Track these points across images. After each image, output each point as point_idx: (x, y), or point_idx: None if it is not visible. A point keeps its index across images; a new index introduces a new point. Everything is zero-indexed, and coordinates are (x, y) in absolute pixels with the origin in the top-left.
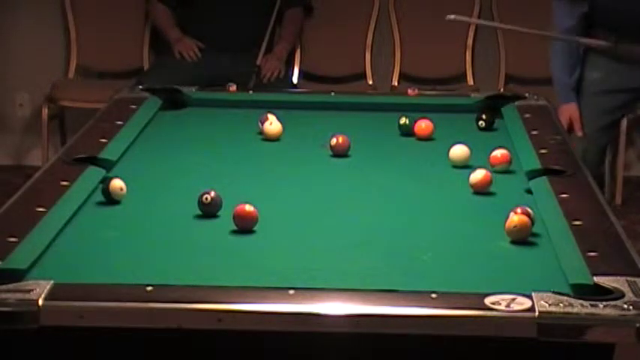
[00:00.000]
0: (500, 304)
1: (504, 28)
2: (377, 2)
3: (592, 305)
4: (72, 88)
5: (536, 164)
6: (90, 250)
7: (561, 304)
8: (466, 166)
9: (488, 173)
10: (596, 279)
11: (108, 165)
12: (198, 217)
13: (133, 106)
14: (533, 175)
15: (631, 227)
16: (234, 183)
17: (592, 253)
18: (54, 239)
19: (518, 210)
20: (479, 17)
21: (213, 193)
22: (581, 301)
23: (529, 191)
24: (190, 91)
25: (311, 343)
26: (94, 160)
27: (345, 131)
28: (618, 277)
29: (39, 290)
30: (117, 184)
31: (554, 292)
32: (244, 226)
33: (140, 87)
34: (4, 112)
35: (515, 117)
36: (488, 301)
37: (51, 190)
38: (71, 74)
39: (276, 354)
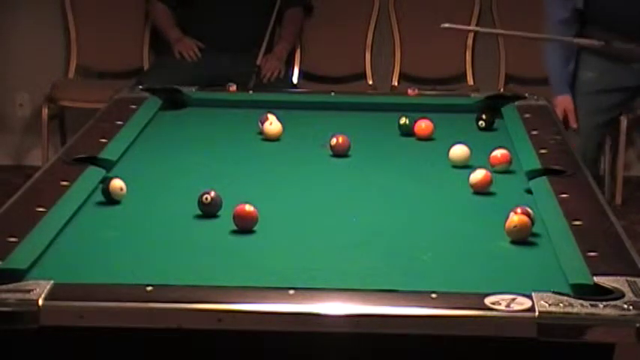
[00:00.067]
0: (500, 304)
1: (498, 33)
2: (377, 2)
3: (592, 305)
4: (72, 88)
5: (536, 164)
6: (90, 250)
7: (561, 304)
8: (466, 166)
9: (488, 173)
10: (596, 279)
11: (108, 165)
12: (198, 217)
13: (133, 106)
14: (533, 175)
15: (631, 227)
16: (234, 183)
17: (592, 253)
18: (54, 239)
19: (518, 210)
20: (479, 17)
21: (213, 193)
22: (581, 301)
23: (529, 191)
24: (190, 91)
25: (311, 343)
26: (94, 160)
27: (345, 131)
28: (618, 277)
29: (39, 290)
30: (117, 184)
31: (554, 292)
32: (244, 226)
33: (140, 87)
34: (4, 112)
35: (515, 117)
36: (488, 301)
37: (51, 190)
38: (71, 74)
39: (276, 354)
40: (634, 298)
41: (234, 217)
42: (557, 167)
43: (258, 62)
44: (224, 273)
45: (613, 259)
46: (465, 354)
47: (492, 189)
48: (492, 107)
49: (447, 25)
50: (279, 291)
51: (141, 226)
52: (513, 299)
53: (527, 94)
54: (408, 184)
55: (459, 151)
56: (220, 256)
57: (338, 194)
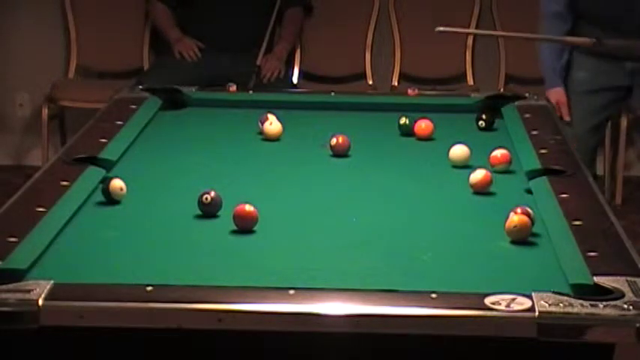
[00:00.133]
0: (500, 304)
1: (492, 34)
2: (377, 2)
3: (592, 305)
4: (72, 88)
5: (536, 164)
6: (90, 250)
7: (561, 304)
8: (466, 166)
9: (488, 173)
10: (596, 279)
11: (108, 165)
12: (198, 217)
13: (133, 106)
14: (533, 175)
15: (631, 227)
16: (234, 183)
17: (592, 253)
18: (54, 239)
19: (518, 210)
20: (479, 17)
21: (213, 193)
22: (581, 301)
23: (529, 191)
24: (190, 91)
25: (311, 343)
26: (94, 160)
27: (345, 131)
28: (618, 277)
29: (39, 290)
30: (117, 184)
31: (554, 292)
32: (244, 226)
33: (140, 87)
34: (4, 112)
35: (515, 117)
36: (488, 301)
37: (51, 190)
38: (71, 74)
39: (276, 354)
40: (634, 298)
41: (234, 217)
42: (557, 167)
43: (258, 62)
44: (224, 273)
45: (613, 259)
46: (465, 354)
47: (492, 189)
48: (492, 107)
49: (441, 28)
50: (279, 291)
51: (141, 226)
52: (513, 299)
53: (527, 94)
54: (408, 184)
55: (459, 151)
56: (220, 256)
57: (338, 194)
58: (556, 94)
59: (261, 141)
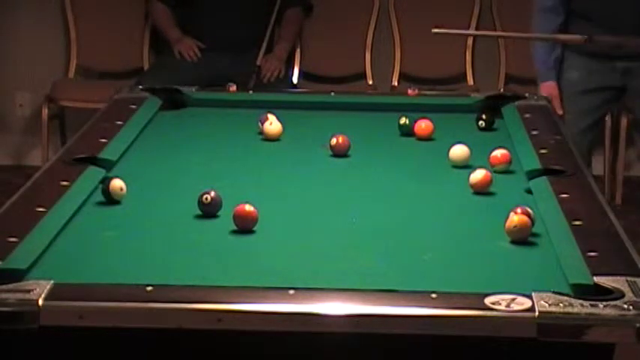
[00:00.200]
0: (500, 304)
1: (488, 35)
2: (377, 2)
3: (592, 305)
4: (72, 88)
5: (536, 164)
6: (90, 250)
7: (561, 304)
8: (466, 166)
9: (488, 173)
10: (596, 279)
11: (108, 165)
12: (198, 217)
13: (133, 106)
14: (533, 175)
15: (631, 227)
16: (234, 183)
17: (592, 253)
18: (54, 239)
19: (518, 210)
20: (479, 17)
21: (213, 193)
22: (581, 301)
23: (529, 191)
24: (190, 91)
25: (311, 343)
26: (94, 160)
27: (345, 131)
28: (618, 277)
29: (39, 290)
30: (117, 184)
31: (554, 292)
32: (244, 226)
33: (140, 87)
34: (4, 112)
35: (515, 117)
36: (488, 301)
37: (51, 190)
38: (71, 74)
39: (276, 354)
40: (634, 298)
41: (234, 217)
42: (557, 167)
43: (258, 62)
44: (224, 273)
45: (613, 259)
46: (464, 354)
47: (492, 189)
48: (492, 107)
49: (437, 30)
50: (279, 291)
51: (141, 226)
52: (513, 299)
53: (527, 94)
54: (408, 184)
55: (459, 151)
56: (220, 256)
57: (338, 194)
58: (548, 88)
59: (261, 141)
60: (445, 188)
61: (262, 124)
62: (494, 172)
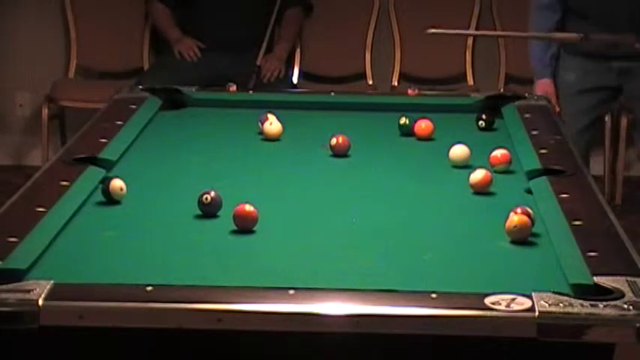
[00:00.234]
0: (500, 304)
1: (483, 35)
2: (377, 2)
3: (592, 305)
4: (72, 88)
5: (536, 164)
6: (90, 250)
7: (561, 304)
8: (466, 166)
9: (488, 173)
10: (596, 279)
11: (108, 165)
12: (198, 217)
13: (133, 106)
14: (533, 175)
15: (631, 227)
16: (234, 183)
17: (592, 253)
18: (54, 239)
19: (518, 210)
20: (479, 17)
21: (213, 193)
22: (581, 301)
23: (529, 191)
24: (190, 91)
25: (311, 343)
26: (94, 160)
27: (345, 131)
28: (618, 277)
29: (39, 290)
30: (117, 184)
31: (554, 292)
32: (244, 226)
33: (140, 87)
34: (4, 112)
35: (515, 117)
36: (488, 301)
37: (51, 190)
38: (71, 74)
39: (276, 354)
40: (634, 298)
41: (234, 217)
42: (557, 167)
43: (258, 62)
44: (224, 273)
45: (613, 259)
46: (464, 354)
47: (492, 189)
48: (492, 107)
49: (432, 30)
50: (279, 291)
51: (141, 226)
52: (513, 299)
53: (527, 94)
54: (408, 184)
55: (459, 151)
56: (220, 256)
57: (338, 194)
58: (544, 85)
59: (261, 141)
60: (445, 188)
61: (262, 124)
62: (495, 172)
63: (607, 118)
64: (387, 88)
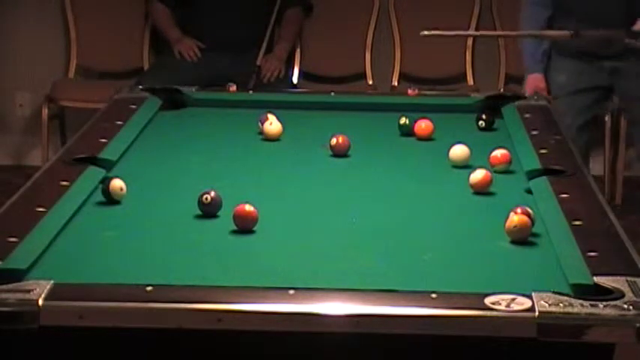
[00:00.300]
0: (500, 304)
1: (477, 35)
2: (377, 2)
3: (592, 305)
4: (72, 88)
5: (536, 164)
6: (90, 250)
7: (561, 304)
8: (466, 166)
9: (488, 173)
10: (596, 279)
11: (108, 165)
12: (198, 217)
13: (133, 106)
14: (533, 175)
15: (631, 227)
16: (234, 183)
17: (592, 253)
18: (54, 239)
19: (518, 210)
20: (479, 17)
21: (213, 193)
22: (581, 301)
23: (529, 191)
24: (190, 91)
25: (311, 343)
26: (94, 160)
27: (345, 131)
28: (618, 277)
29: (39, 290)
30: (117, 184)
31: (554, 292)
32: (244, 226)
33: (140, 87)
34: (4, 112)
35: (515, 117)
36: (488, 301)
37: (51, 190)
38: (71, 74)
39: (277, 354)
40: (634, 298)
41: (234, 217)
42: (557, 167)
43: (258, 62)
44: (224, 273)
45: (613, 259)
46: (464, 354)
47: (492, 189)
48: (492, 107)
49: (426, 32)
50: (279, 291)
51: (141, 226)
52: (513, 299)
53: (527, 94)
54: (408, 184)
55: (459, 151)
56: (220, 256)
57: (338, 194)
58: (535, 80)
59: (261, 141)
60: (445, 188)
61: (262, 124)
62: (495, 172)
63: (607, 118)
64: (387, 88)
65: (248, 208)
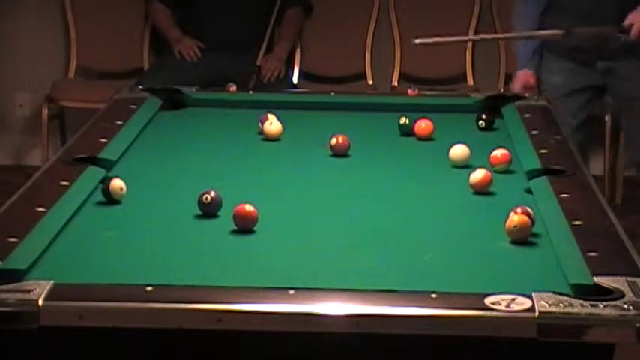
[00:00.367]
0: (500, 304)
1: (469, 40)
2: (377, 2)
3: (592, 305)
4: (72, 88)
5: (536, 164)
6: (90, 250)
7: (561, 304)
8: (466, 166)
9: (488, 173)
10: (596, 279)
11: (108, 165)
12: (198, 217)
13: (133, 106)
14: (533, 175)
15: (631, 227)
16: (234, 183)
17: (592, 253)
18: (54, 239)
19: (518, 210)
20: (479, 17)
21: (213, 193)
22: (581, 301)
23: (529, 191)
24: (190, 91)
25: (311, 343)
26: (94, 160)
27: (345, 131)
28: (618, 277)
29: (39, 290)
30: (117, 184)
31: (554, 292)
32: (244, 226)
33: (140, 87)
34: (4, 112)
35: (515, 117)
36: (488, 301)
37: (51, 190)
38: (71, 74)
39: (277, 354)
40: (634, 298)
41: (234, 217)
42: (557, 167)
43: (258, 62)
44: (224, 273)
45: (613, 259)
46: (464, 354)
47: (492, 189)
48: (492, 107)
49: (417, 41)
50: (279, 291)
51: (141, 226)
52: (513, 299)
53: (527, 94)
54: (408, 184)
55: (459, 151)
56: (220, 256)
57: (338, 194)
58: (525, 76)
59: (261, 141)
60: (445, 188)
61: (262, 124)
62: (495, 172)
63: (607, 118)
64: (387, 88)
65: (248, 208)
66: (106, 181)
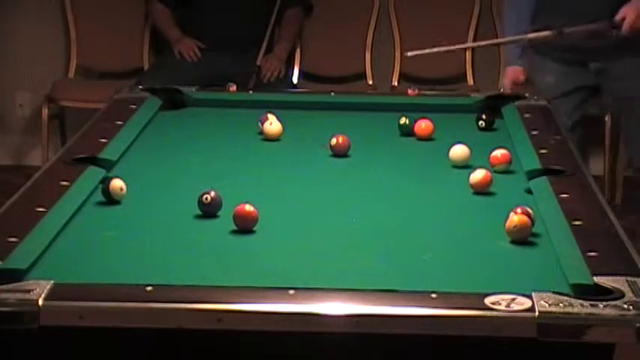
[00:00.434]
0: (500, 304)
1: (461, 48)
2: (377, 2)
3: (592, 305)
4: (72, 88)
5: (536, 164)
6: (90, 250)
7: (561, 304)
8: (466, 166)
9: (488, 173)
10: (596, 279)
11: (108, 165)
12: (198, 217)
13: (133, 106)
14: (533, 175)
15: (631, 227)
16: (234, 183)
17: (592, 253)
18: (54, 239)
19: (518, 210)
20: (479, 17)
21: (213, 193)
22: (581, 301)
23: (529, 191)
24: (190, 91)
25: (311, 343)
26: (94, 160)
27: (345, 131)
28: (618, 277)
29: (39, 290)
30: (117, 184)
31: (554, 292)
32: (244, 226)
33: (140, 87)
34: (4, 112)
35: (515, 117)
36: (488, 301)
37: (51, 190)
38: (71, 74)
39: (277, 354)
40: (634, 298)
41: (234, 217)
42: (557, 167)
43: (258, 62)
44: (224, 273)
45: (613, 259)
46: (464, 354)
47: (492, 189)
48: (492, 107)
49: (410, 53)
50: (279, 291)
51: (141, 226)
52: (513, 299)
53: (527, 94)
54: (408, 184)
55: (459, 151)
56: (220, 256)
57: (338, 194)
58: (514, 72)
59: (261, 141)
60: (445, 188)
61: (262, 124)
62: (495, 172)
63: (607, 118)
64: (387, 88)
65: (248, 208)
66: (106, 181)
